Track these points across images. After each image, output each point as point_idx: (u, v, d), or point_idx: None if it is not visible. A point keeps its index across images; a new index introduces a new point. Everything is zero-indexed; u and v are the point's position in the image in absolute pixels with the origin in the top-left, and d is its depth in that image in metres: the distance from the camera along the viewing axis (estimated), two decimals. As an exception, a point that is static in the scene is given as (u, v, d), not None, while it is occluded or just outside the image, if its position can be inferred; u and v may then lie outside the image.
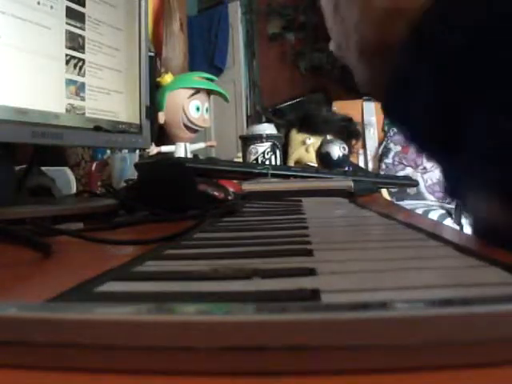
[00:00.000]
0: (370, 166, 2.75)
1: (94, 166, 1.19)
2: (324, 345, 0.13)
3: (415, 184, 1.06)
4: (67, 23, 0.64)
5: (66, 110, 0.64)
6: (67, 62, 0.64)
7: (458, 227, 2.16)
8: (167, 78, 1.25)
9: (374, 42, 0.31)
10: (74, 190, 1.02)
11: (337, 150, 1.03)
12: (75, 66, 0.65)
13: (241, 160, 1.19)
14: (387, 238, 0.32)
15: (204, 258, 0.26)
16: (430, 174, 2.61)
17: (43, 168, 0.84)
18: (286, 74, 3.72)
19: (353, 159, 1.88)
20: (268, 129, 1.20)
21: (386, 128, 2.78)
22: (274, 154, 1.13)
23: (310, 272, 0.21)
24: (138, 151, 1.12)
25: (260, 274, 0.21)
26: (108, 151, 1.22)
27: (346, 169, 1.13)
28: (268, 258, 0.25)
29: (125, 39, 0.76)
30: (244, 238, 0.34)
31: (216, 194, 0.65)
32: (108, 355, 0.13)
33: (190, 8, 3.39)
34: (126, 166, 1.08)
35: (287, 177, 0.87)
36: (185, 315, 0.14)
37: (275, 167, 1.05)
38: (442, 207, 2.41)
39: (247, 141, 1.16)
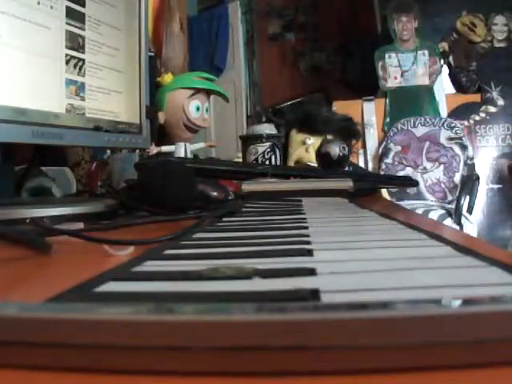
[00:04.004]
0: (370, 166, 2.74)
1: (94, 165, 1.19)
2: (324, 345, 0.13)
3: (415, 184, 1.06)
4: (67, 23, 0.64)
5: (66, 110, 0.64)
6: (67, 62, 0.64)
7: (457, 227, 2.16)
8: (167, 78, 1.24)
9: None
10: (74, 189, 1.01)
11: (337, 150, 1.03)
12: (75, 65, 0.65)
13: (241, 160, 1.19)
14: (387, 237, 0.32)
15: (204, 258, 0.26)
16: (429, 174, 2.61)
17: (43, 168, 0.84)
18: (286, 74, 3.72)
19: (353, 159, 1.88)
20: (268, 129, 1.20)
21: (385, 128, 2.78)
22: (274, 154, 1.13)
23: (310, 272, 0.21)
24: (138, 151, 1.12)
25: (260, 274, 0.21)
26: (108, 151, 1.22)
27: (346, 169, 1.13)
28: (268, 258, 0.25)
29: (125, 39, 0.76)
30: (244, 238, 0.34)
31: (216, 194, 0.65)
32: (108, 355, 0.13)
33: (190, 8, 3.39)
34: (126, 166, 1.07)
35: (287, 177, 0.87)
36: (185, 315, 0.14)
37: (275, 167, 1.05)
38: (442, 207, 2.41)
39: (247, 141, 1.15)
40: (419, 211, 2.21)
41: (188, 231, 0.38)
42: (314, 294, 0.17)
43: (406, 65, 2.87)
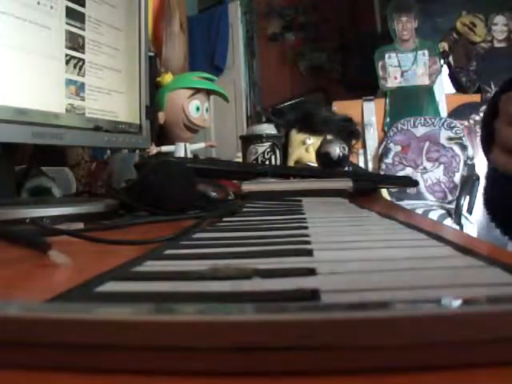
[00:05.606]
0: (370, 166, 2.75)
1: (94, 165, 1.19)
2: (324, 345, 0.13)
3: (415, 184, 1.06)
4: (67, 23, 0.64)
5: (66, 110, 0.64)
6: (67, 62, 0.64)
7: (457, 227, 2.16)
8: (167, 78, 1.24)
9: None
10: (73, 189, 1.01)
11: (337, 150, 1.03)
12: (75, 65, 0.65)
13: (241, 160, 1.19)
14: (387, 237, 0.32)
15: (204, 258, 0.26)
16: (429, 174, 2.61)
17: (43, 168, 0.84)
18: (286, 74, 3.72)
19: (353, 159, 1.88)
20: (268, 129, 1.20)
21: (385, 128, 2.78)
22: (274, 154, 1.13)
23: (310, 272, 0.21)
24: (137, 151, 1.12)
25: (260, 274, 0.21)
26: (108, 151, 1.22)
27: (346, 169, 1.13)
28: (268, 258, 0.25)
29: (125, 39, 0.76)
30: (244, 238, 0.34)
31: (216, 194, 0.65)
32: (108, 355, 0.13)
33: (189, 8, 3.39)
34: (126, 166, 1.08)
35: (287, 177, 0.87)
36: (185, 315, 0.14)
37: (275, 167, 1.05)
38: (442, 207, 2.41)
39: (247, 141, 1.15)
40: (419, 211, 2.21)
41: (188, 231, 0.38)
42: (314, 293, 0.17)
43: (405, 65, 2.87)
